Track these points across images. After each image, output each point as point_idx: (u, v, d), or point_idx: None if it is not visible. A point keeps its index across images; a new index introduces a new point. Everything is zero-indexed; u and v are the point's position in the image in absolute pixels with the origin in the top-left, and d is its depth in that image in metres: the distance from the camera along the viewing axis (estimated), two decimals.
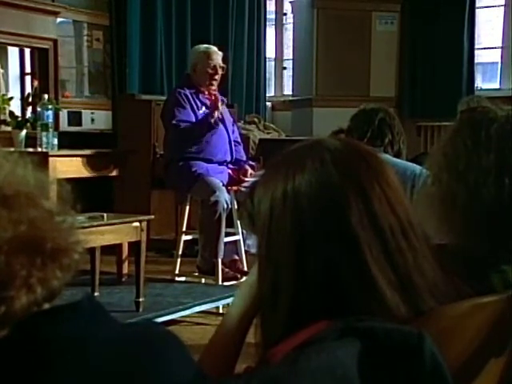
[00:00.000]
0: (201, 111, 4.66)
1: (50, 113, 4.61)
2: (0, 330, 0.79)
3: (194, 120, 4.62)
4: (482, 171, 1.29)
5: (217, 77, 4.75)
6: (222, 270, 4.57)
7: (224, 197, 4.50)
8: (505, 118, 1.36)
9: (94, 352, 0.81)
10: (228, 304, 3.99)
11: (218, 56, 4.79)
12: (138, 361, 0.83)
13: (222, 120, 4.74)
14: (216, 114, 4.60)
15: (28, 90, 6.60)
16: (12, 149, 4.20)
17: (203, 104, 4.70)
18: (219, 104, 4.62)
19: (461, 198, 1.30)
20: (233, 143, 4.80)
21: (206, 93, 4.74)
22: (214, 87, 4.75)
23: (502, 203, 1.29)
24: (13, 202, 0.81)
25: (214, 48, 4.85)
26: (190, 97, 4.66)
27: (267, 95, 8.79)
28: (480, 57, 8.19)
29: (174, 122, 4.61)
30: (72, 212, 0.88)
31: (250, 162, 4.95)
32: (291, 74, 8.94)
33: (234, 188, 4.70)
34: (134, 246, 3.95)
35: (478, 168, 1.30)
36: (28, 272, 0.79)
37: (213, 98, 4.74)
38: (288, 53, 9.07)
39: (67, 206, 0.88)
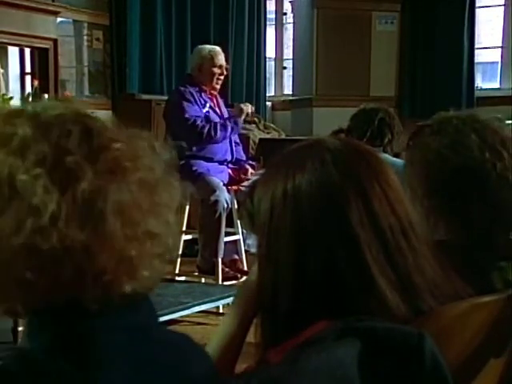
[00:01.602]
0: (204, 109, 4.67)
1: None
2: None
3: (202, 115, 4.62)
4: (473, 147, 1.34)
5: (222, 77, 4.79)
6: (222, 269, 4.56)
7: (224, 196, 4.50)
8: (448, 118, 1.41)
9: (148, 346, 0.90)
10: (228, 304, 3.98)
11: (222, 57, 4.84)
12: (178, 356, 0.96)
13: (223, 119, 4.76)
14: (243, 117, 4.75)
15: (28, 89, 6.58)
16: None
17: (206, 102, 4.71)
18: (244, 108, 4.75)
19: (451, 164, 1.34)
20: (233, 143, 4.80)
21: (208, 92, 4.76)
22: (218, 86, 4.79)
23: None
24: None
25: (219, 49, 4.88)
26: (194, 94, 4.67)
27: (267, 95, 8.78)
28: (480, 56, 8.18)
29: (186, 115, 4.56)
30: None
31: (251, 162, 4.96)
32: (291, 73, 8.93)
33: (234, 187, 4.69)
34: None
35: (468, 149, 1.34)
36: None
37: (213, 98, 4.78)
38: (288, 53, 9.06)
39: None
